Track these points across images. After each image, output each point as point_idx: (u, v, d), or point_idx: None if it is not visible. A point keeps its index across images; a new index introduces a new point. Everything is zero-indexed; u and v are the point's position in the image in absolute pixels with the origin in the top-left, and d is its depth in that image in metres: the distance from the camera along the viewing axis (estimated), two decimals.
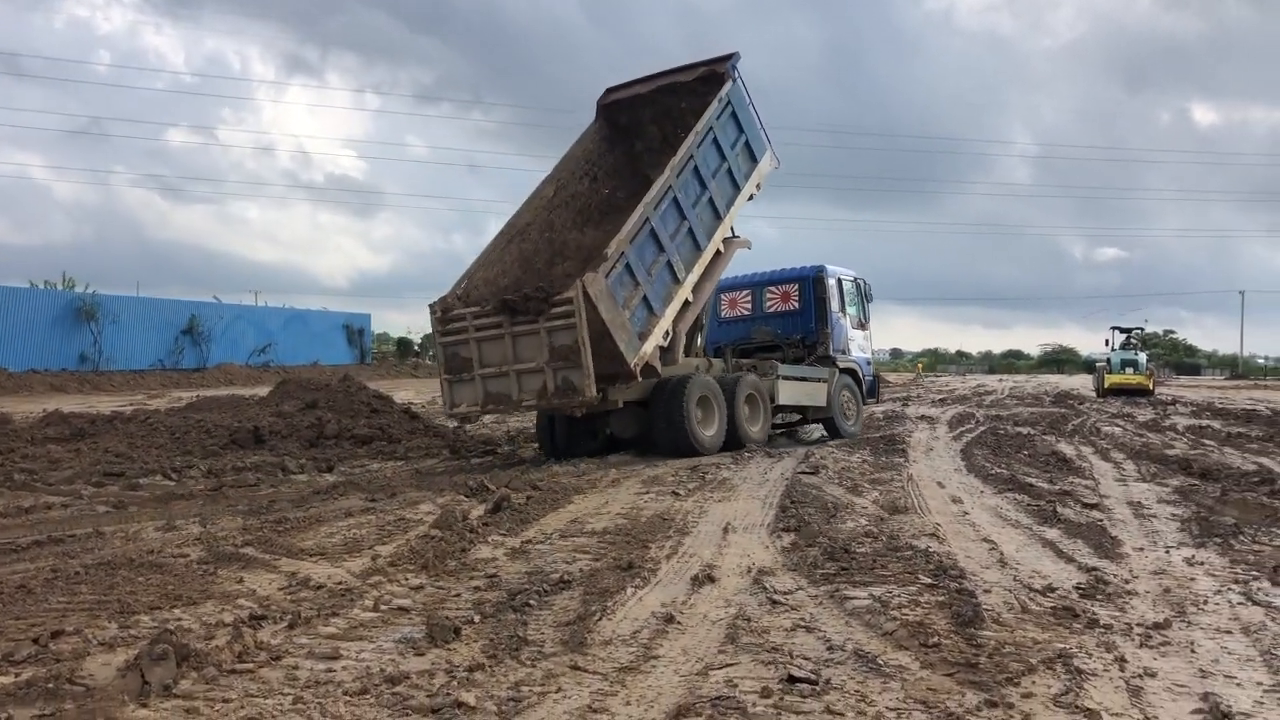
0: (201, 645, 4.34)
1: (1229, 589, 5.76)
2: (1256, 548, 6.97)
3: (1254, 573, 6.16)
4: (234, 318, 43.80)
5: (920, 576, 5.92)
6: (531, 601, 5.37)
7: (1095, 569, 6.25)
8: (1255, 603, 5.44)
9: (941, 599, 5.39)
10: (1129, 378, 36.29)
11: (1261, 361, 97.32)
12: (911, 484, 10.41)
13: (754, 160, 15.32)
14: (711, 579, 5.93)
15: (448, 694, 3.91)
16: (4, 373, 31.29)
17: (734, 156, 14.84)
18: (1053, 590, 5.66)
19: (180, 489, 10.48)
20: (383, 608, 5.27)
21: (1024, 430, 17.99)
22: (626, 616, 5.12)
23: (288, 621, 4.93)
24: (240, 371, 39.57)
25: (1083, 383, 50.82)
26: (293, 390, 19.00)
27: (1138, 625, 4.94)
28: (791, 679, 4.09)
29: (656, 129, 15.87)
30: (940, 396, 34.77)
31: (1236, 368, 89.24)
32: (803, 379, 16.24)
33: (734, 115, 14.85)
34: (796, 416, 17.34)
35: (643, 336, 12.86)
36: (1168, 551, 6.92)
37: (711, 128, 14.32)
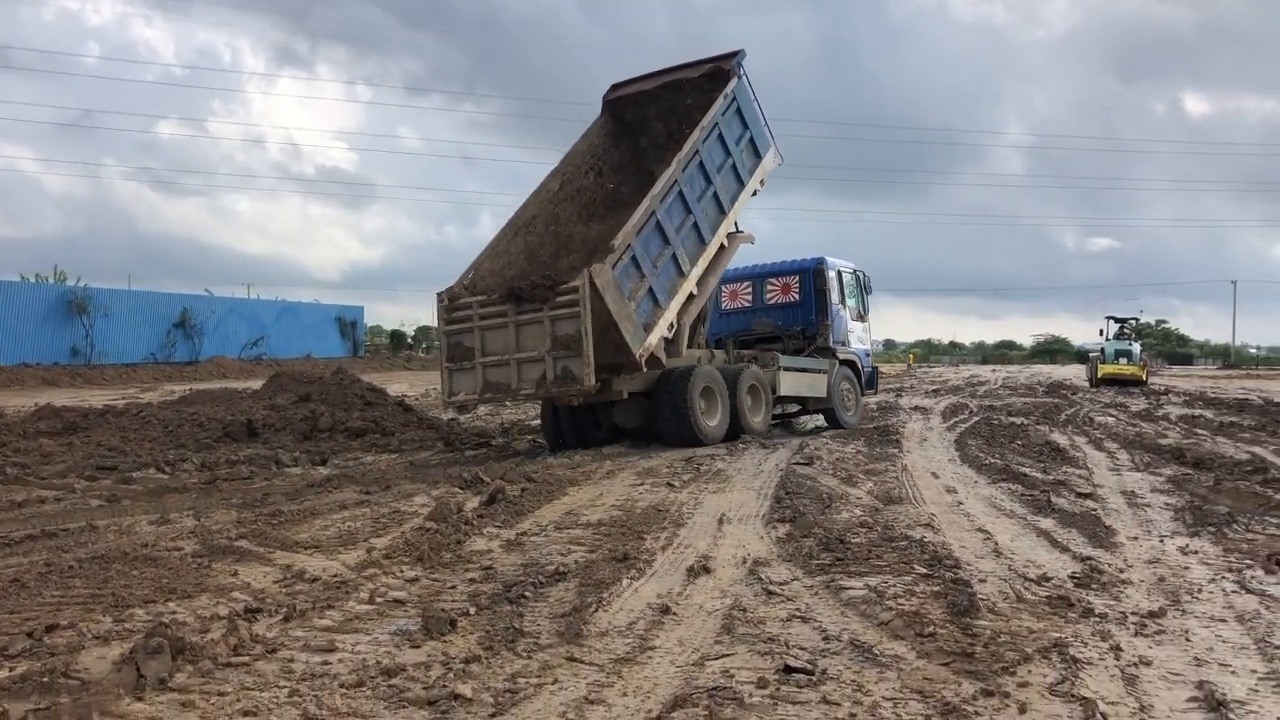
0: (196, 638, 4.34)
1: (1223, 578, 5.77)
2: (1250, 536, 6.99)
3: (1247, 561, 6.17)
4: (226, 311, 43.70)
5: (915, 566, 5.92)
6: (527, 593, 5.37)
7: (1090, 558, 6.26)
8: (1249, 591, 5.45)
9: (937, 589, 5.39)
10: (1123, 368, 36.31)
11: (1253, 351, 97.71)
12: (906, 474, 10.42)
13: (758, 156, 15.48)
14: (707, 570, 5.94)
15: (444, 686, 3.91)
16: None
17: (738, 152, 14.98)
18: (1048, 580, 5.67)
19: (173, 482, 10.46)
20: (378, 600, 5.27)
21: (1017, 420, 18.02)
22: (622, 608, 5.12)
23: (283, 614, 4.92)
24: (233, 365, 39.50)
25: (1075, 373, 50.93)
26: (286, 383, 18.95)
27: (1132, 614, 4.95)
28: (788, 669, 4.09)
29: (662, 125, 16.00)
30: (934, 387, 34.82)
31: (1229, 357, 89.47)
32: (803, 370, 16.40)
33: (739, 112, 15.01)
34: (796, 407, 17.46)
35: (648, 328, 12.98)
36: (1162, 540, 6.93)
37: (717, 123, 14.47)
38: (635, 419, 13.99)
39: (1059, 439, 14.33)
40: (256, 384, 21.23)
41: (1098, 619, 4.86)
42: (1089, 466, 11.20)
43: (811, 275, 17.48)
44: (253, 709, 3.69)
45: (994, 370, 64.24)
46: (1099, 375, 36.13)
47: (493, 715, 3.64)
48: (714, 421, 13.77)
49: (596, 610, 5.04)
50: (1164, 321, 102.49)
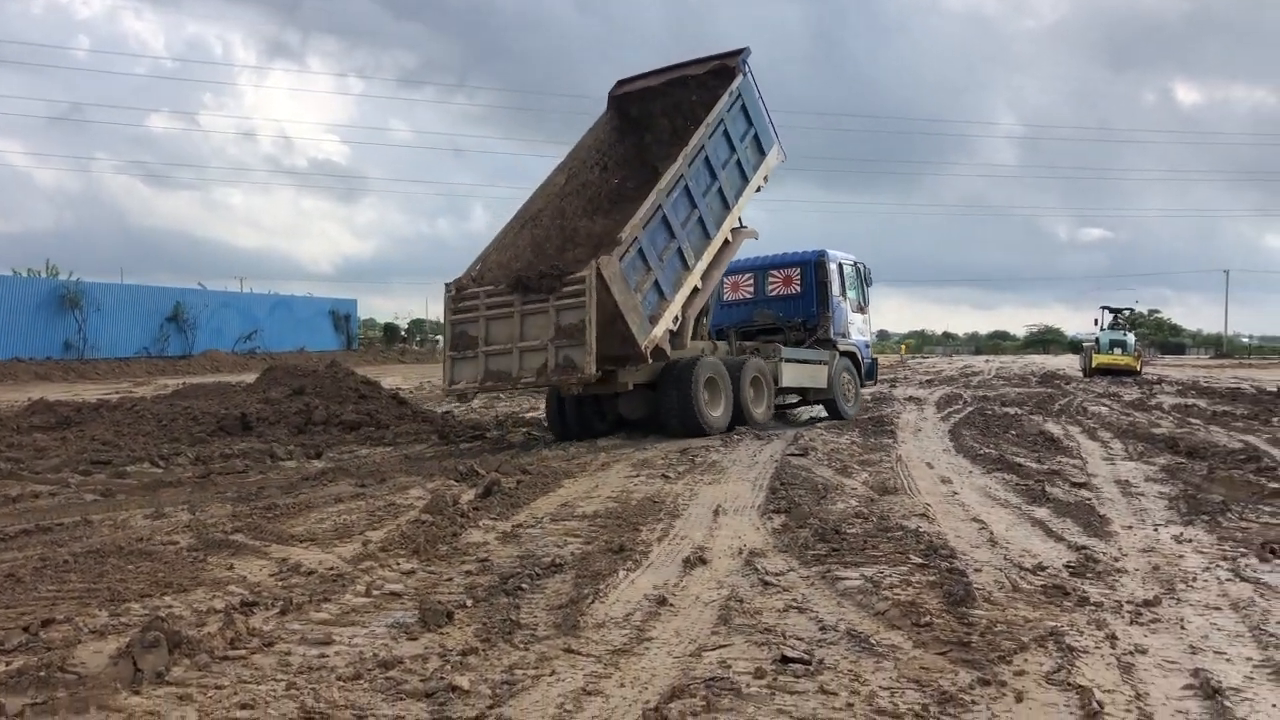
0: (193, 632, 4.33)
1: (1217, 566, 5.79)
2: (1244, 525, 7.02)
3: (1242, 549, 6.20)
4: (219, 304, 43.62)
5: (911, 556, 5.94)
6: (524, 585, 5.37)
7: (1085, 547, 6.28)
8: (1243, 579, 5.47)
9: (933, 578, 5.41)
10: (1117, 358, 36.37)
11: (1245, 340, 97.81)
12: (900, 464, 10.44)
13: (762, 153, 15.66)
14: (703, 561, 5.94)
15: (441, 678, 3.91)
16: None
17: (743, 148, 15.16)
18: (1043, 569, 5.69)
19: (168, 476, 10.43)
20: (374, 593, 5.27)
21: (1011, 410, 18.05)
22: (619, 599, 5.12)
23: (279, 607, 4.92)
24: (226, 358, 39.41)
25: (1069, 363, 50.99)
26: (280, 377, 18.90)
27: (1128, 603, 4.97)
28: (785, 659, 4.10)
29: (666, 121, 16.18)
30: (927, 378, 34.86)
31: (1221, 347, 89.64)
32: (804, 361, 16.57)
33: (744, 109, 15.19)
34: (796, 398, 17.57)
35: (653, 320, 13.15)
36: (1156, 529, 6.95)
37: (722, 120, 14.63)
38: (640, 410, 14.11)
39: (1053, 429, 14.37)
40: (250, 378, 21.18)
41: (1093, 608, 4.87)
42: (1083, 456, 11.23)
43: (813, 267, 17.61)
44: (250, 702, 3.69)
45: (987, 361, 64.35)
46: (1094, 365, 36.19)
47: (490, 707, 3.64)
48: (718, 412, 13.93)
49: (593, 602, 5.04)
50: (1156, 311, 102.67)
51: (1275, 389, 22.71)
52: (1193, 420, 15.78)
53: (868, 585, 5.29)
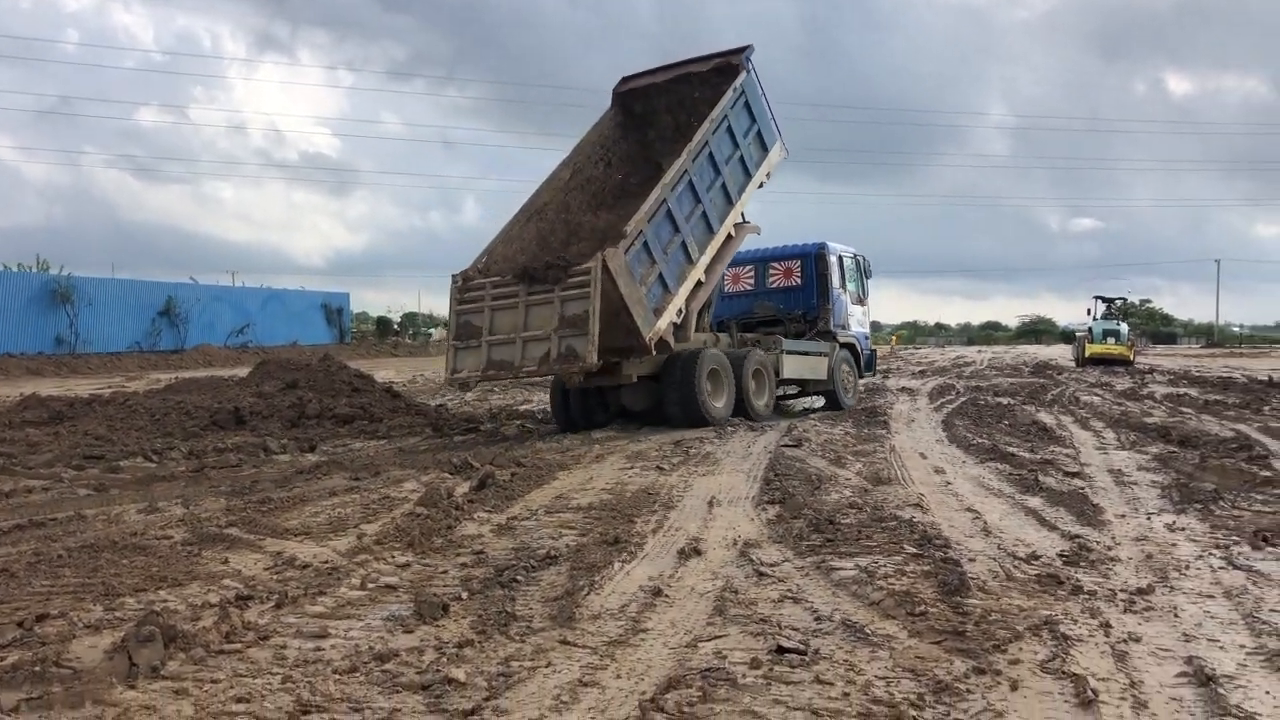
0: (188, 626, 4.33)
1: (1210, 554, 5.82)
2: (1236, 513, 7.05)
3: (1234, 538, 6.23)
4: (211, 299, 43.46)
5: (905, 546, 5.95)
6: (519, 577, 5.37)
7: (1078, 536, 6.31)
8: (1236, 567, 5.50)
9: (927, 568, 5.42)
10: (1110, 348, 36.40)
11: (1237, 330, 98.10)
12: (894, 455, 10.46)
13: (765, 149, 15.82)
14: (698, 552, 5.95)
15: (437, 670, 3.91)
16: None
17: (746, 145, 15.33)
18: (1037, 558, 5.71)
19: (161, 471, 10.41)
20: (370, 586, 5.26)
21: (1004, 400, 18.08)
22: (614, 591, 5.13)
23: (274, 601, 4.91)
24: (219, 352, 39.32)
25: (1061, 353, 51.08)
26: (273, 370, 18.86)
27: (1121, 591, 4.99)
28: (780, 650, 4.11)
29: (670, 118, 16.33)
30: (920, 368, 34.89)
31: (1212, 336, 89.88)
32: (805, 353, 16.70)
33: (747, 105, 15.36)
34: (795, 389, 17.67)
35: (658, 312, 13.34)
36: (1149, 518, 6.98)
37: (726, 116, 14.81)
38: (643, 401, 14.26)
39: (1046, 418, 14.40)
40: (243, 371, 21.12)
41: (1087, 596, 4.89)
42: (1076, 445, 11.26)
43: (813, 260, 17.75)
44: (246, 696, 3.68)
45: (980, 351, 64.41)
46: (1086, 355, 36.23)
47: (486, 699, 3.65)
48: (720, 403, 14.06)
49: (588, 593, 5.05)
50: (1148, 301, 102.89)
51: (1266, 378, 22.79)
52: (1185, 409, 15.83)
53: (862, 575, 5.30)
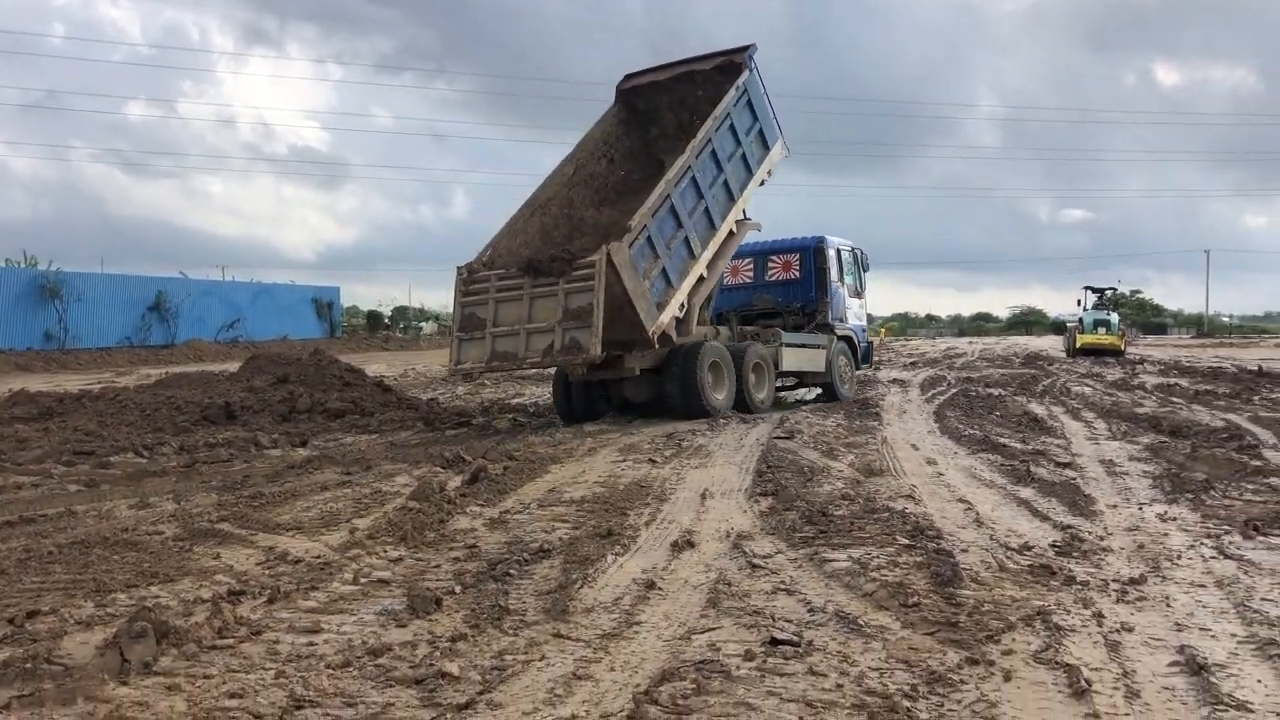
0: (181, 622, 4.31)
1: (1201, 543, 5.84)
2: (1227, 502, 7.07)
3: (1225, 527, 6.24)
4: (201, 293, 43.30)
5: (898, 537, 5.95)
6: (512, 571, 5.37)
7: (1070, 527, 6.32)
8: (1227, 556, 5.51)
9: (920, 559, 5.43)
10: (1101, 338, 36.44)
11: (1226, 320, 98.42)
12: (886, 446, 10.48)
13: (766, 148, 16.02)
14: (691, 544, 5.95)
15: (431, 664, 3.91)
16: None
17: (748, 142, 15.52)
18: (1029, 548, 5.71)
19: (152, 466, 10.38)
20: (362, 580, 5.25)
21: (995, 391, 18.12)
22: (608, 584, 5.13)
23: (267, 596, 4.90)
24: (209, 347, 39.17)
25: (1051, 344, 51.15)
26: (263, 365, 18.83)
27: (1114, 581, 5.00)
28: (774, 641, 4.11)
29: (672, 115, 16.53)
30: (911, 360, 34.94)
31: (1202, 326, 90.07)
32: (803, 346, 16.86)
33: (749, 104, 15.59)
34: (793, 381, 17.75)
35: (660, 306, 13.52)
36: (1141, 508, 7.00)
37: (729, 114, 15.04)
38: (645, 394, 14.41)
39: (1037, 409, 14.43)
40: (233, 366, 21.08)
41: (1079, 586, 4.90)
42: (1067, 436, 11.29)
43: (812, 253, 17.91)
44: (239, 691, 3.67)
45: (971, 342, 64.49)
46: (1077, 345, 36.28)
47: (480, 693, 3.64)
48: (721, 396, 14.24)
49: (582, 587, 5.05)
50: (1138, 291, 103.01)
51: (1256, 368, 22.88)
52: (1175, 399, 15.88)
53: (855, 567, 5.31)
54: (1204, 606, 4.58)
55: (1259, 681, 3.65)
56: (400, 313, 71.94)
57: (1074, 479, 8.20)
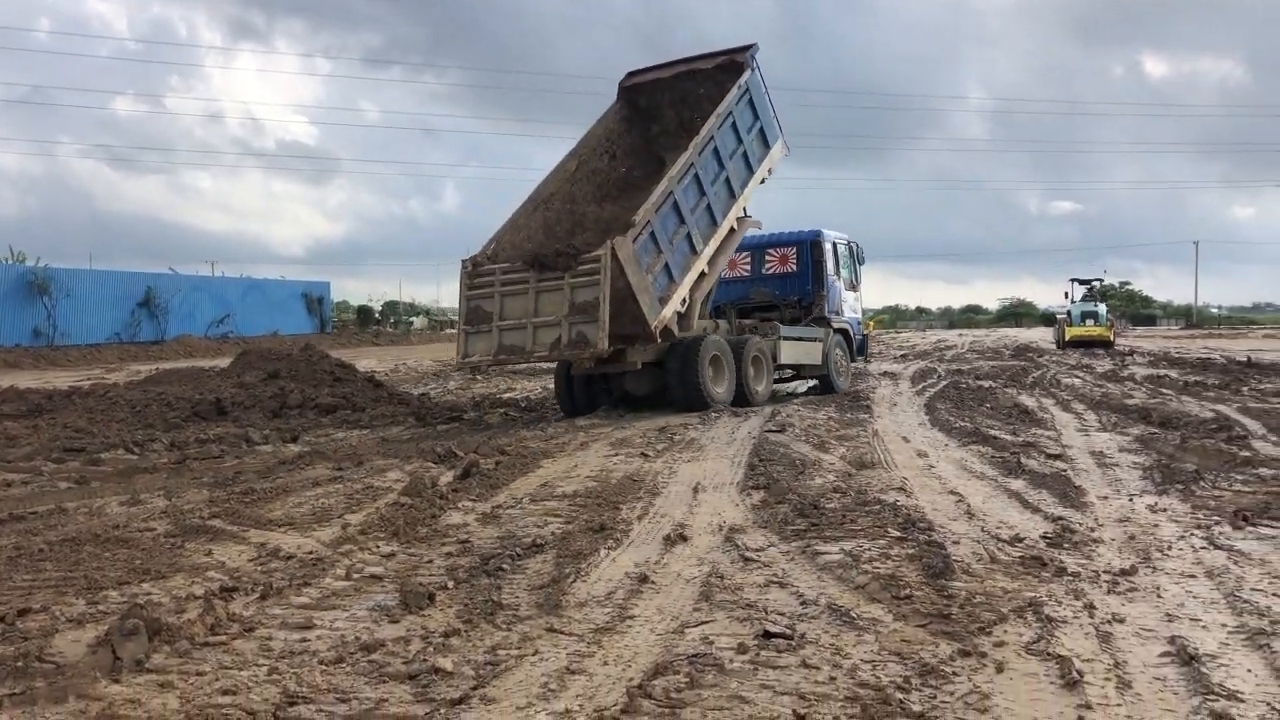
0: (173, 619, 4.30)
1: (1192, 534, 5.86)
2: (1217, 493, 7.10)
3: (1215, 518, 6.27)
4: (191, 289, 43.18)
5: (889, 530, 5.97)
6: (505, 566, 5.37)
7: (1061, 518, 6.34)
8: (1218, 547, 5.54)
9: (911, 551, 5.44)
10: (1089, 330, 36.55)
11: (1215, 311, 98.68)
12: (877, 439, 10.50)
13: (767, 146, 16.26)
14: (684, 538, 5.96)
15: (424, 660, 3.90)
16: None
17: (749, 141, 15.76)
18: (1020, 540, 5.73)
19: (143, 462, 10.34)
20: (355, 576, 5.25)
21: (985, 383, 18.16)
22: (600, 578, 5.13)
23: (259, 592, 4.89)
24: (199, 343, 39.04)
25: (1041, 335, 51.31)
26: (254, 361, 18.75)
27: (1105, 572, 5.02)
28: (767, 634, 4.12)
29: (674, 113, 16.76)
30: (902, 352, 35.03)
31: (1191, 318, 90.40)
32: (801, 339, 16.99)
33: (751, 102, 15.84)
34: (790, 373, 17.86)
35: (663, 301, 13.75)
36: (1131, 499, 7.02)
37: (731, 112, 15.28)
38: (646, 387, 14.61)
39: (1027, 401, 14.47)
40: (224, 362, 21.01)
41: (1071, 578, 4.92)
42: (1057, 428, 11.32)
43: (809, 247, 18.07)
44: (232, 688, 3.67)
45: (961, 335, 64.66)
46: (1067, 337, 36.38)
47: (474, 688, 3.64)
48: (721, 389, 14.36)
49: (575, 581, 5.05)
50: (1127, 283, 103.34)
51: (1245, 359, 22.96)
52: (1165, 391, 15.93)
53: (847, 559, 5.32)
54: (1194, 597, 4.60)
55: (1249, 671, 3.67)
56: (390, 307, 71.87)
57: (1064, 470, 8.22)
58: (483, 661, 3.91)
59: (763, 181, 16.24)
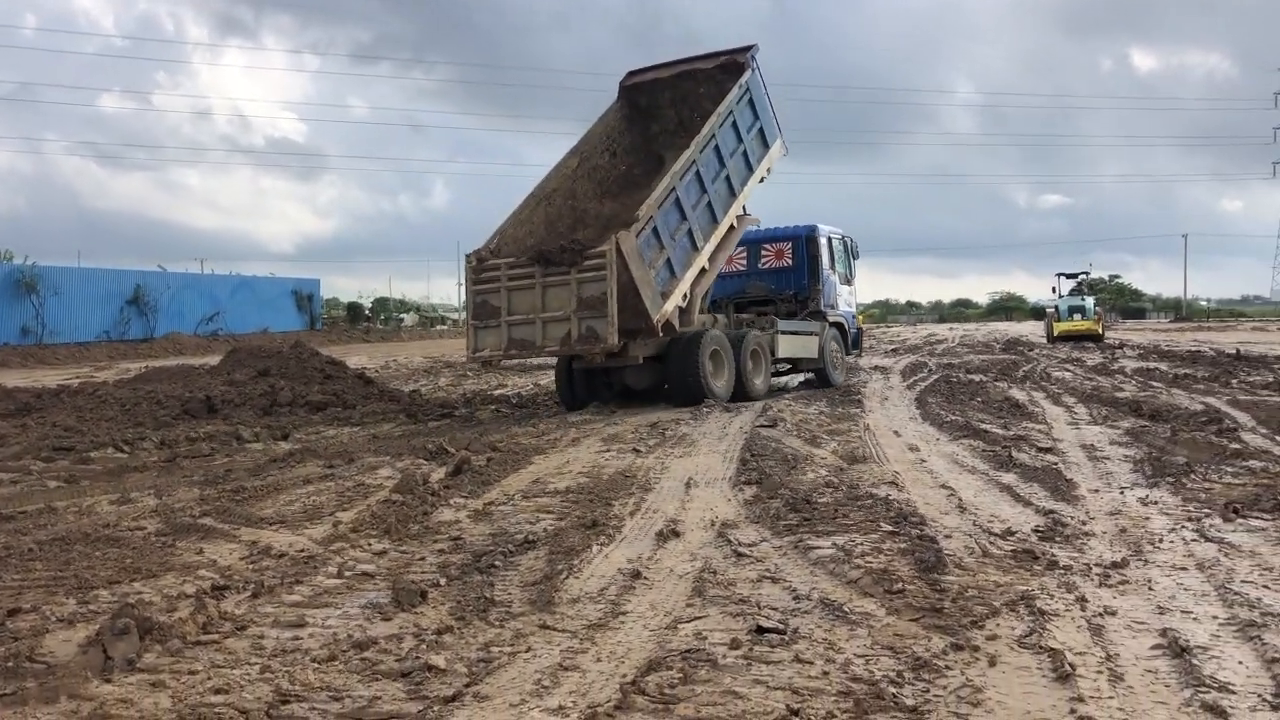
0: (164, 618, 4.28)
1: (1183, 527, 5.88)
2: (1207, 485, 7.12)
3: (1206, 510, 6.29)
4: (181, 287, 43.10)
5: (882, 524, 5.98)
6: (497, 562, 5.36)
7: (1052, 511, 6.35)
8: (1208, 539, 5.55)
9: (904, 546, 5.45)
10: (1078, 324, 36.63)
11: (1204, 304, 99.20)
12: (869, 433, 10.51)
13: (766, 146, 16.49)
14: (676, 534, 5.96)
15: (417, 657, 3.90)
16: None
17: (749, 140, 15.99)
18: (1012, 534, 5.74)
19: (133, 461, 10.30)
20: (347, 574, 5.23)
21: (976, 377, 18.21)
22: (593, 574, 5.13)
23: (251, 591, 4.88)
24: (189, 341, 38.96)
25: (1032, 329, 51.44)
26: (244, 358, 18.70)
27: (1096, 565, 5.03)
28: (760, 629, 4.12)
29: (674, 112, 17.03)
30: (892, 347, 35.08)
31: (1180, 311, 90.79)
32: (798, 333, 17.16)
33: (751, 102, 16.07)
34: (786, 367, 17.93)
35: (665, 295, 13.94)
36: (1122, 492, 7.04)
37: (732, 111, 15.51)
38: (646, 381, 14.80)
39: (1018, 395, 14.50)
40: (214, 360, 20.94)
41: (1062, 571, 4.93)
42: (1048, 421, 11.34)
43: (804, 241, 18.20)
44: (224, 687, 3.65)
45: (951, 329, 64.84)
46: (1056, 332, 36.45)
47: (467, 685, 3.63)
48: (721, 382, 14.53)
49: (567, 577, 5.04)
50: (1117, 276, 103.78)
51: (1234, 351, 23.05)
52: (1155, 384, 15.98)
53: (840, 554, 5.33)
54: (1186, 589, 4.61)
55: (1240, 663, 3.68)
56: (380, 304, 71.78)
57: (1055, 464, 8.24)
58: (475, 659, 3.90)
59: (762, 180, 16.42)
